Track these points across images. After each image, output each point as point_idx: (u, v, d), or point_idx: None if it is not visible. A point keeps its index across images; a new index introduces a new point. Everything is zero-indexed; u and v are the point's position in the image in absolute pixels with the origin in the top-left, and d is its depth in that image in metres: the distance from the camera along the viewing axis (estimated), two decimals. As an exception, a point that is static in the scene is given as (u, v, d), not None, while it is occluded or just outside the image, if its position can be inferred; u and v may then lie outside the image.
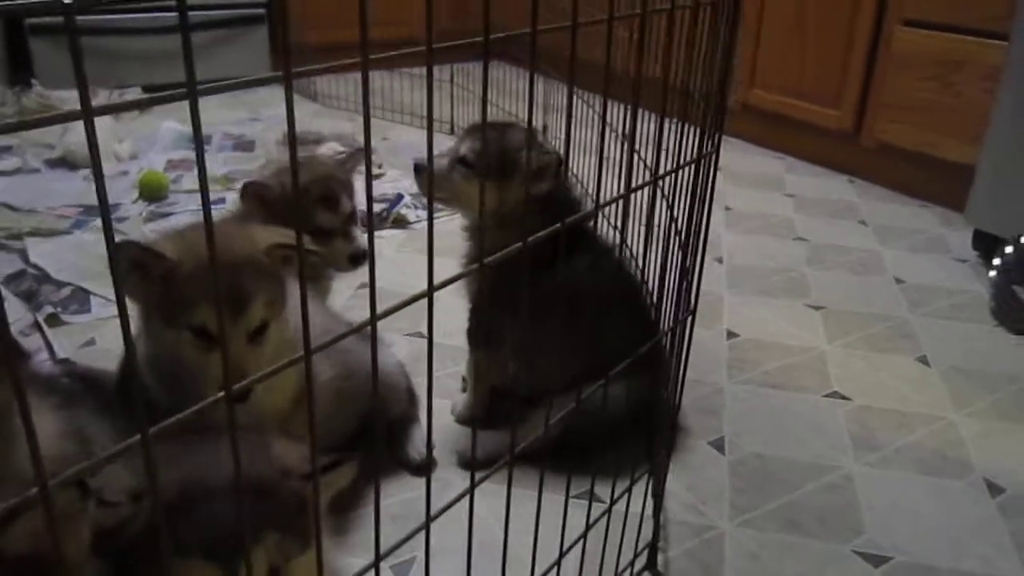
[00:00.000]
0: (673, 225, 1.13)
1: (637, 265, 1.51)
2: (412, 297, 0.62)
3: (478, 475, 0.80)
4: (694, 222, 1.03)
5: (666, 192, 1.12)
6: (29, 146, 2.95)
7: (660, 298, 1.09)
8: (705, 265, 2.27)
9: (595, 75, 0.77)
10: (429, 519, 0.74)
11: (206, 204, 0.45)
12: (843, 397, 1.73)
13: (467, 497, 0.80)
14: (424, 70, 0.57)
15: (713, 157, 0.99)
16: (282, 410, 1.09)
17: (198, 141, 0.43)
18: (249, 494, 0.67)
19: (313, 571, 0.60)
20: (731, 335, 1.96)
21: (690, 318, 1.10)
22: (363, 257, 1.58)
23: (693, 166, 0.99)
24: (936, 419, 1.66)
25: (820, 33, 3.06)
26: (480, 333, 1.57)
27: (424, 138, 1.49)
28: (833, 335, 1.98)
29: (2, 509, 0.57)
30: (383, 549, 0.66)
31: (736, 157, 3.32)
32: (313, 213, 1.49)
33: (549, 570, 1.01)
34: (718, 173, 3.15)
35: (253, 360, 0.99)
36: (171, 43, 3.69)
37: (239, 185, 1.50)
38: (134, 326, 1.04)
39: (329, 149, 3.10)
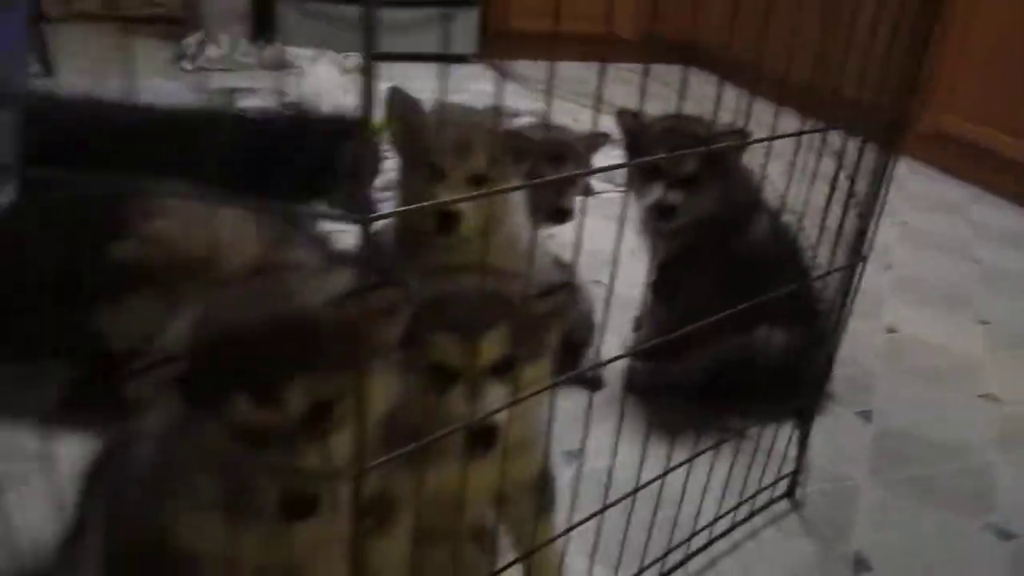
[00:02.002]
0: (850, 184, 1.26)
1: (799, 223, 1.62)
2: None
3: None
4: (876, 171, 1.17)
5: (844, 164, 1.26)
6: (269, 92, 3.37)
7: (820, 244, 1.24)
8: (873, 270, 2.35)
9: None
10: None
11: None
12: (997, 399, 1.78)
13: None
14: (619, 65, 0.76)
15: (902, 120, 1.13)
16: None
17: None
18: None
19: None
20: (890, 331, 2.04)
21: (861, 264, 1.23)
22: (567, 214, 1.80)
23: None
24: (1091, 432, 1.70)
25: (1029, 65, 3.02)
26: (663, 287, 1.72)
27: (611, 123, 1.68)
28: (996, 346, 2.02)
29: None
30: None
31: (920, 182, 3.30)
32: (540, 166, 1.71)
33: (676, 467, 1.14)
34: (897, 193, 3.13)
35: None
36: (396, 15, 4.05)
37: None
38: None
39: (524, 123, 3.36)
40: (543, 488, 1.07)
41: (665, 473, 1.10)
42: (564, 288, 0.93)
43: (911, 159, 3.51)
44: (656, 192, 1.59)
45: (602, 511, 1.02)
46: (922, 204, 3.04)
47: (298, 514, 0.72)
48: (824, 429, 1.61)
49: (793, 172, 1.15)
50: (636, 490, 1.06)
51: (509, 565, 1.01)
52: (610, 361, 1.01)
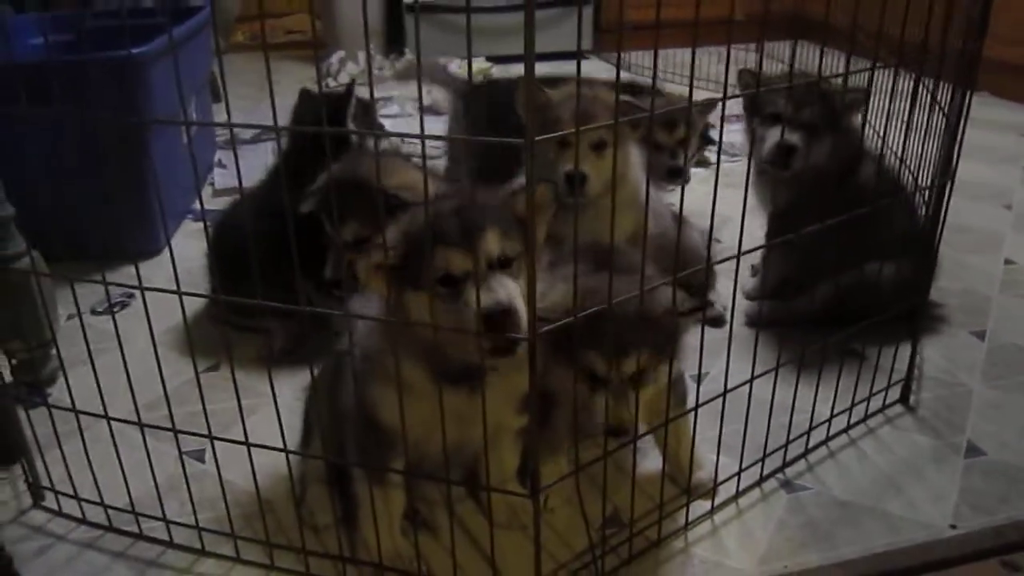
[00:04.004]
0: (939, 110, 1.40)
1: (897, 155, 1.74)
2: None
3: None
4: (957, 96, 1.31)
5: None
6: (406, 99, 3.71)
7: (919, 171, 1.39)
8: (993, 210, 2.41)
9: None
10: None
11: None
12: (1113, 317, 1.85)
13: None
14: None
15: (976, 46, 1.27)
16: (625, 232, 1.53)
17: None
18: (642, 320, 1.07)
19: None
20: (1008, 262, 2.12)
21: (949, 184, 1.38)
22: (679, 174, 1.99)
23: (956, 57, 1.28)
24: None
25: None
26: (777, 236, 1.87)
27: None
28: (1120, 273, 2.06)
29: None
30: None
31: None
32: (654, 131, 1.93)
33: (786, 363, 1.31)
34: (1020, 139, 3.14)
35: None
36: (507, 20, 4.31)
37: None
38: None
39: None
40: (676, 384, 1.27)
41: (777, 367, 1.28)
42: (703, 306, 1.18)
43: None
44: (776, 134, 1.73)
45: (724, 394, 1.21)
46: (1046, 148, 3.04)
47: (501, 350, 0.96)
48: (938, 346, 1.74)
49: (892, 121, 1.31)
50: (752, 379, 1.24)
51: (653, 430, 1.23)
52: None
